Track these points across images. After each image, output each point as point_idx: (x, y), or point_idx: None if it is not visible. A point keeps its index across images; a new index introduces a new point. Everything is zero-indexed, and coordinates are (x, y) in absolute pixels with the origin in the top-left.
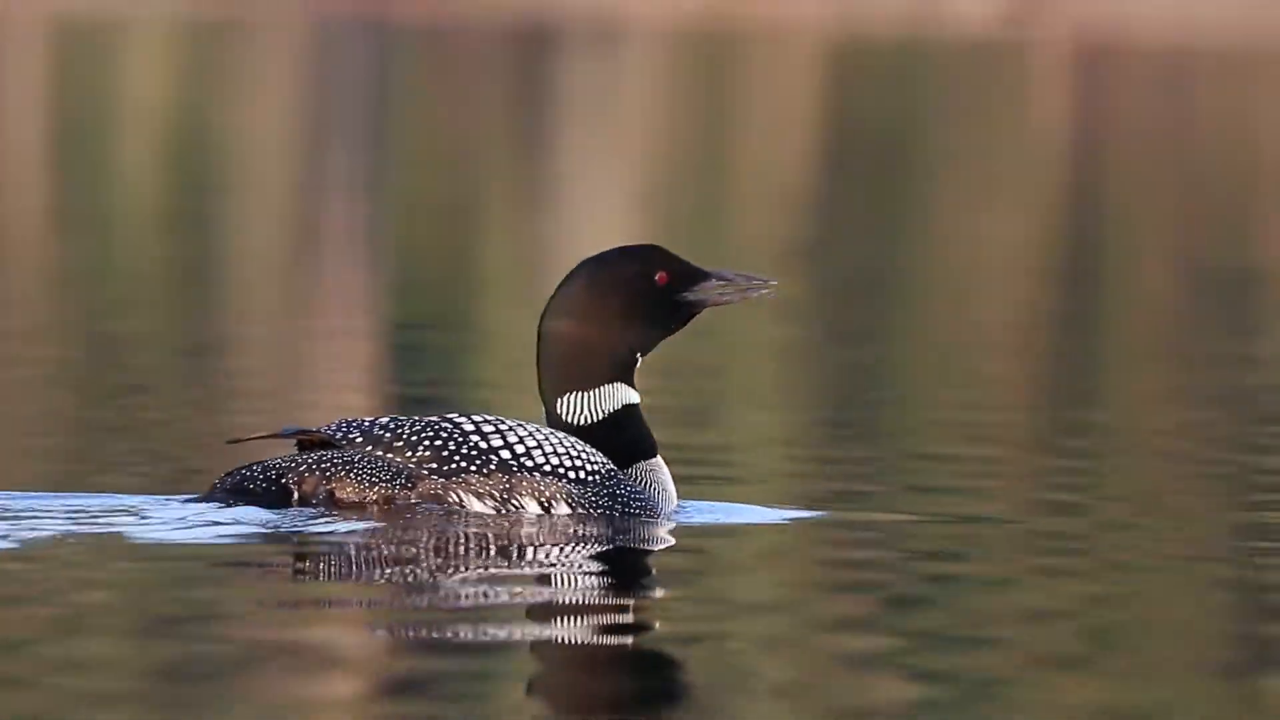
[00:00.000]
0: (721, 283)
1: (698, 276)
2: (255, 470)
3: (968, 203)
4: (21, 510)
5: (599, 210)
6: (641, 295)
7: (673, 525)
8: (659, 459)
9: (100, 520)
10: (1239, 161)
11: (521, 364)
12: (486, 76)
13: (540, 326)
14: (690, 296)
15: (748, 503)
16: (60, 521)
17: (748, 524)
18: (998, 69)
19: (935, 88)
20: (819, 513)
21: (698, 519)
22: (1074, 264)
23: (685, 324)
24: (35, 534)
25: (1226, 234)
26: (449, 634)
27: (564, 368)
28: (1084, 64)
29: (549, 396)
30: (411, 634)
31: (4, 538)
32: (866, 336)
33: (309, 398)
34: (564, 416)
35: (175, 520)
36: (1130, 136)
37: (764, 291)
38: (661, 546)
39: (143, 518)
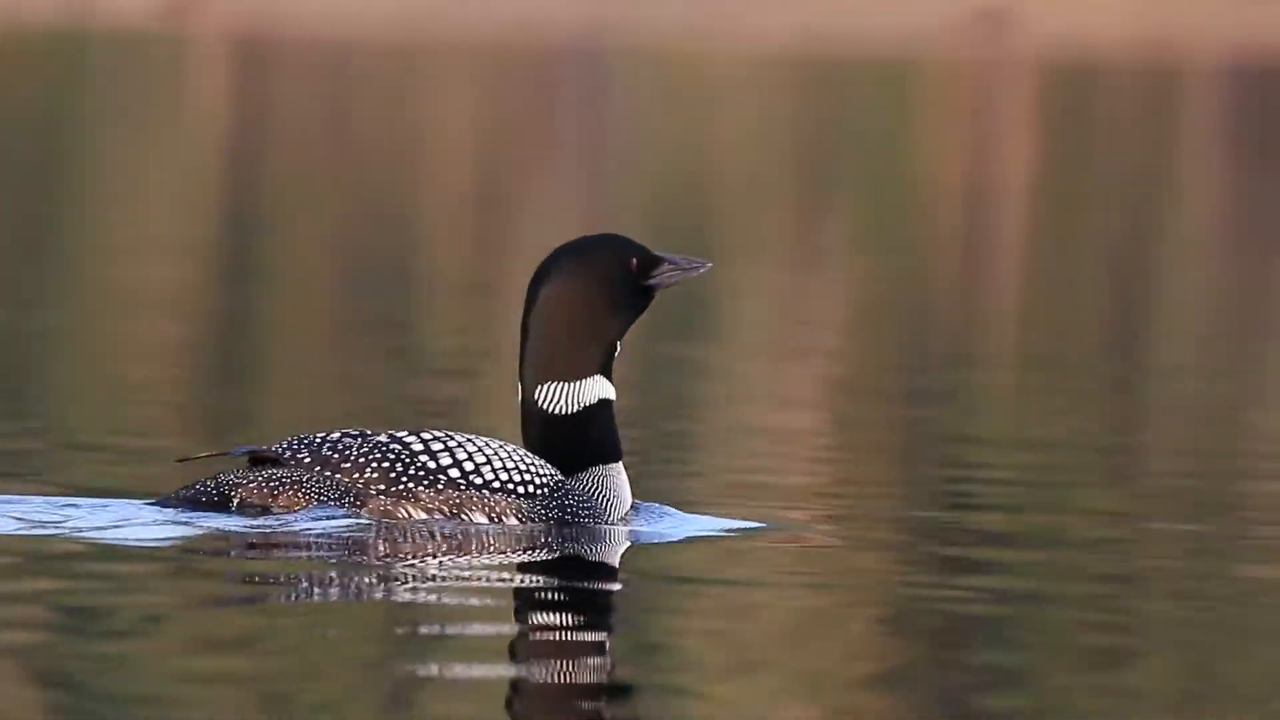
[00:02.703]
0: (672, 265)
1: (655, 261)
2: (208, 485)
3: (130, 207)
4: None
5: None
6: (621, 283)
7: (616, 537)
8: (619, 465)
9: (46, 520)
10: (398, 152)
11: None
12: None
13: (527, 317)
14: (652, 281)
15: (697, 511)
16: None
17: (691, 535)
18: (158, 62)
19: (94, 83)
20: (762, 524)
21: (645, 529)
22: (233, 261)
23: (645, 310)
24: None
25: (386, 228)
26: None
27: (551, 358)
28: (243, 56)
29: (529, 384)
30: (354, 640)
31: None
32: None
33: None
34: (541, 404)
35: (122, 521)
36: (290, 128)
37: (701, 271)
38: (603, 560)
39: (88, 519)
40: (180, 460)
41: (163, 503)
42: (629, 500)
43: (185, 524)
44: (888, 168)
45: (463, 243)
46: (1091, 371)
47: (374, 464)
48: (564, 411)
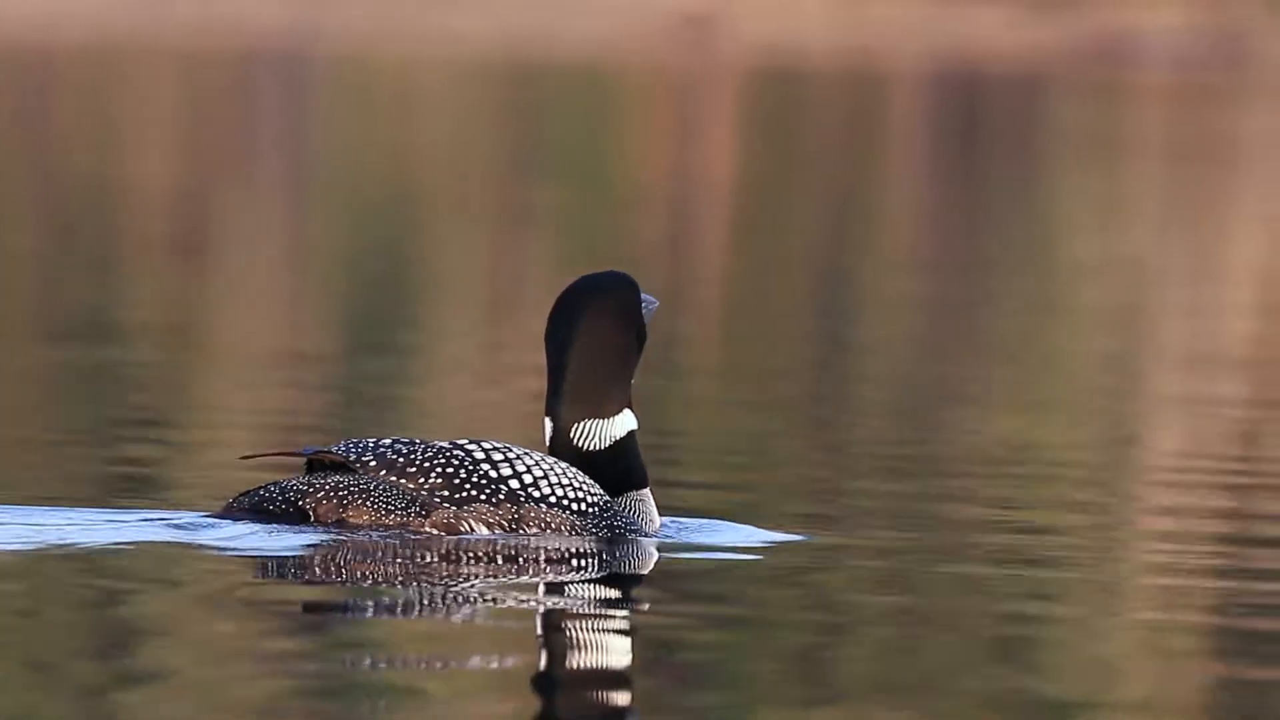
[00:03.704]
0: (646, 303)
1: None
2: (273, 491)
3: None
4: (41, 523)
5: None
6: (639, 318)
7: (661, 557)
8: (647, 490)
9: (126, 534)
10: (95, 157)
11: None
12: None
13: (560, 354)
14: (645, 318)
15: (731, 521)
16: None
17: (731, 547)
18: None
19: None
20: (797, 536)
21: (683, 542)
22: None
23: None
24: (62, 545)
25: (81, 236)
26: (432, 655)
27: (588, 396)
28: None
29: (565, 421)
30: (409, 659)
31: (17, 550)
32: None
33: None
34: (576, 442)
35: (195, 535)
36: None
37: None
38: (652, 580)
39: (164, 532)
40: (244, 457)
41: (225, 514)
42: (658, 523)
43: (258, 535)
44: (593, 173)
45: (157, 248)
46: (790, 378)
47: (438, 469)
48: (597, 447)
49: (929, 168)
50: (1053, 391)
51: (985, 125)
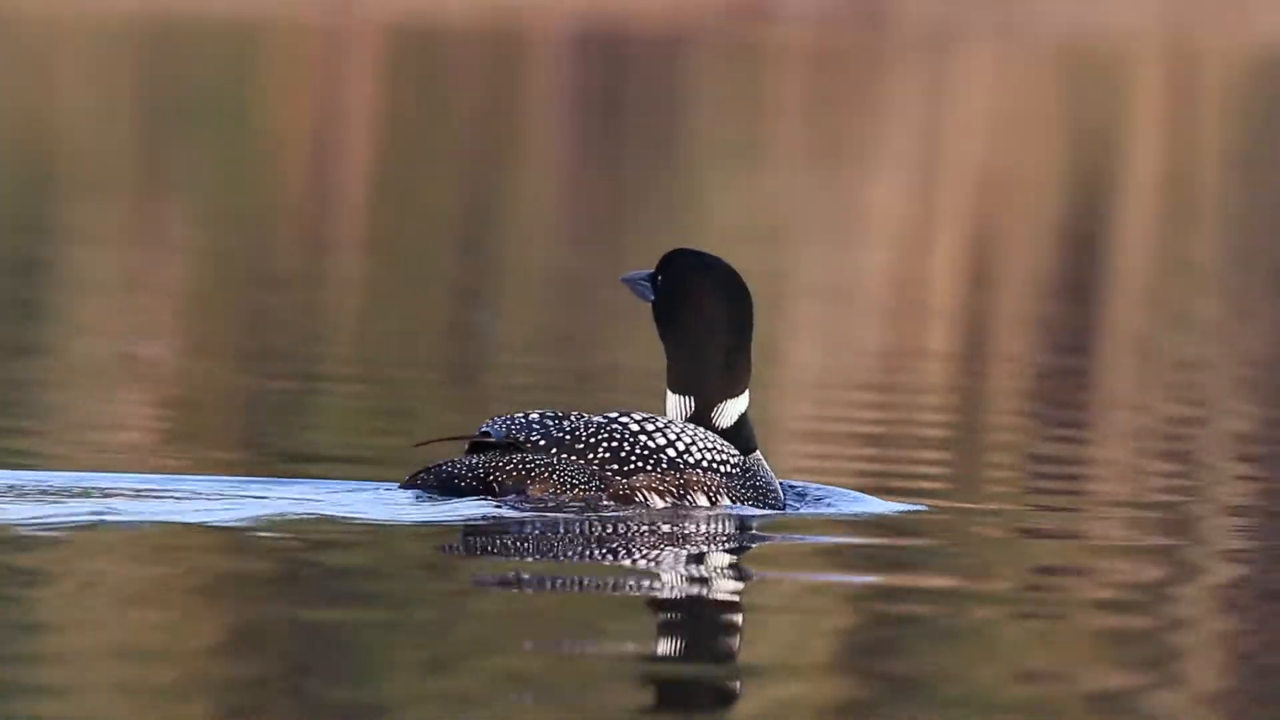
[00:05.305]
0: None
1: None
2: (459, 467)
3: None
4: (226, 494)
5: None
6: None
7: (824, 517)
8: (759, 453)
9: (320, 506)
10: None
11: None
12: None
13: (711, 336)
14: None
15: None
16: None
17: (861, 514)
18: None
19: None
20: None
21: (824, 511)
22: None
23: None
24: (254, 515)
25: None
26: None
27: (729, 377)
28: None
29: (710, 401)
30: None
31: (203, 519)
32: None
33: None
34: (714, 421)
35: (390, 506)
36: None
37: None
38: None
39: (354, 505)
40: (419, 444)
41: (408, 486)
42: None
43: (452, 507)
44: (233, 131)
45: None
46: (427, 340)
47: (604, 444)
48: (728, 424)
49: (571, 128)
50: None
51: (629, 85)
